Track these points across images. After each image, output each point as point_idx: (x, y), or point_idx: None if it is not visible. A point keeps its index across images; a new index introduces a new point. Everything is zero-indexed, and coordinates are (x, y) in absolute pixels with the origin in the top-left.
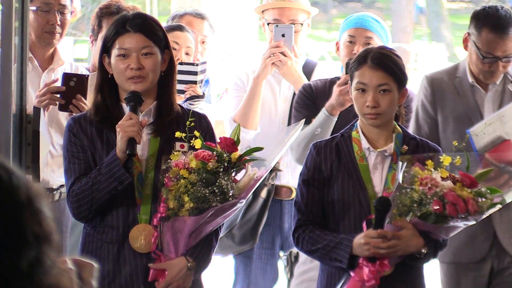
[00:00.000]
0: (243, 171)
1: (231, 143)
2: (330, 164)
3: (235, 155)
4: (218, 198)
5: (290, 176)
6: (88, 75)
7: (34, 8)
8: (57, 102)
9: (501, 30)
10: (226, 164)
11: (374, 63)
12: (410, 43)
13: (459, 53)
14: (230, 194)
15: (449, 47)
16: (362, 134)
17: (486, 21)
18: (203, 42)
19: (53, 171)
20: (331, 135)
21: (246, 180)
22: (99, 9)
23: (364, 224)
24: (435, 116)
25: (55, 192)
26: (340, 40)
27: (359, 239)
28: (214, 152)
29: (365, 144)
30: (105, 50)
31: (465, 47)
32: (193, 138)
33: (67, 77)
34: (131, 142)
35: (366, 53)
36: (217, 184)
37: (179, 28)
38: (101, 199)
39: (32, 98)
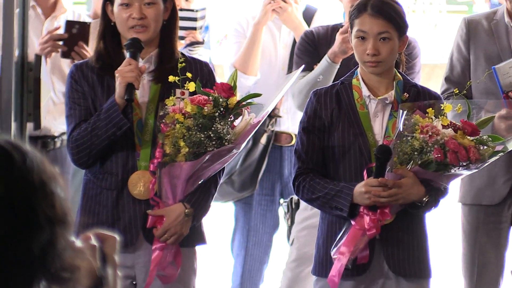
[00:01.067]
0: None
1: (228, 88)
2: (330, 111)
3: (233, 100)
4: (213, 143)
5: (290, 122)
6: (90, 23)
7: None
8: (59, 49)
9: None
10: (222, 109)
11: (374, 11)
12: None
13: None
14: (227, 138)
15: None
16: (362, 82)
17: None
18: None
19: (54, 119)
20: (331, 83)
21: (242, 125)
22: None
23: (364, 173)
24: (468, 56)
25: (56, 139)
26: None
27: (359, 187)
28: (210, 97)
29: (365, 91)
30: None
31: None
32: (187, 82)
33: (69, 24)
34: (130, 88)
35: (366, 1)
36: (212, 128)
37: None
38: (99, 145)
39: (35, 46)
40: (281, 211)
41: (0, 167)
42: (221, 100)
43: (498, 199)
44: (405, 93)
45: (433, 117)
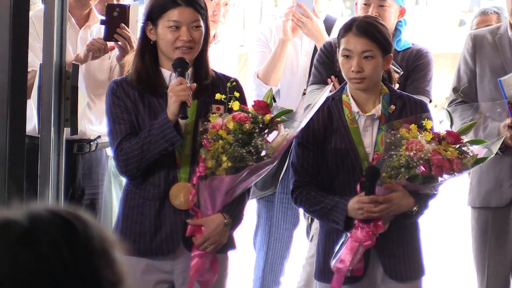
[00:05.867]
0: (274, 132)
1: (265, 106)
2: (323, 127)
3: (267, 116)
4: (254, 158)
5: None
6: (129, 5)
7: None
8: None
9: None
10: (260, 126)
11: (358, 30)
12: None
13: None
14: (264, 153)
15: None
16: (351, 98)
17: None
18: (226, 4)
19: (90, 122)
20: (335, 89)
21: (279, 140)
22: None
23: (358, 187)
24: (474, 68)
25: (91, 142)
26: (358, 1)
27: (353, 203)
28: (250, 114)
29: (354, 107)
30: (150, 18)
31: None
32: (232, 100)
33: (110, 7)
34: (183, 106)
35: (352, 22)
36: (252, 144)
37: None
38: (150, 159)
39: (71, 55)
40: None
41: (65, 236)
42: (259, 117)
43: (506, 201)
44: (392, 105)
45: (417, 132)
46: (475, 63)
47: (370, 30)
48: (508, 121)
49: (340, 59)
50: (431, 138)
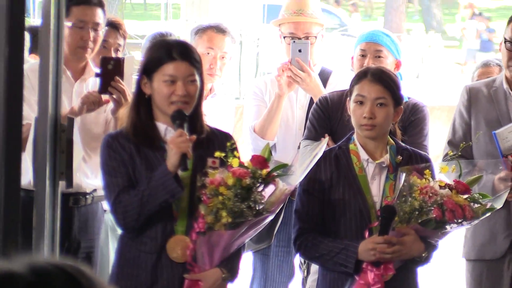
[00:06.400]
0: (271, 186)
1: (263, 161)
2: (330, 174)
3: (264, 171)
4: (253, 213)
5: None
6: (123, 58)
7: (69, 24)
8: (97, 90)
9: None
10: (260, 181)
11: (373, 77)
12: (402, 21)
13: (448, 30)
14: (261, 208)
15: (439, 24)
16: (360, 147)
17: None
18: (222, 58)
19: (86, 176)
20: (329, 147)
21: (278, 194)
22: None
23: (366, 232)
24: (469, 121)
25: (87, 196)
26: (354, 54)
27: (365, 244)
28: (249, 170)
29: (364, 155)
30: (145, 72)
31: (500, 50)
32: (230, 158)
33: (104, 60)
34: (184, 157)
35: (367, 70)
36: (252, 199)
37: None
38: (150, 211)
39: (66, 108)
40: (297, 261)
41: None
42: (258, 172)
43: (500, 254)
44: (399, 156)
45: (430, 179)
46: (470, 116)
47: (384, 78)
48: (502, 174)
49: (351, 106)
50: (444, 185)
